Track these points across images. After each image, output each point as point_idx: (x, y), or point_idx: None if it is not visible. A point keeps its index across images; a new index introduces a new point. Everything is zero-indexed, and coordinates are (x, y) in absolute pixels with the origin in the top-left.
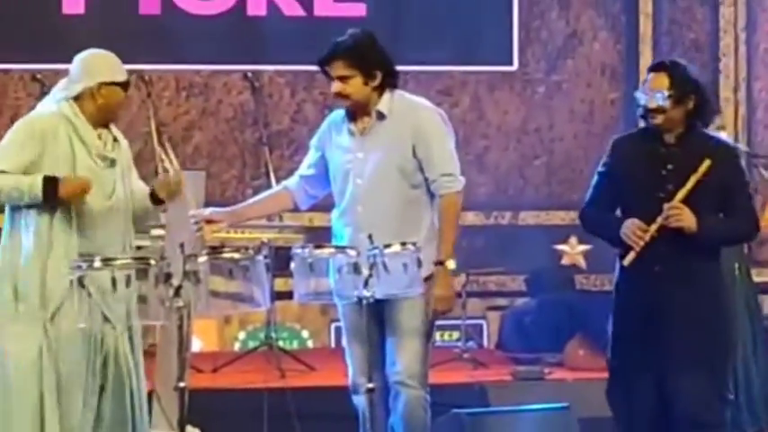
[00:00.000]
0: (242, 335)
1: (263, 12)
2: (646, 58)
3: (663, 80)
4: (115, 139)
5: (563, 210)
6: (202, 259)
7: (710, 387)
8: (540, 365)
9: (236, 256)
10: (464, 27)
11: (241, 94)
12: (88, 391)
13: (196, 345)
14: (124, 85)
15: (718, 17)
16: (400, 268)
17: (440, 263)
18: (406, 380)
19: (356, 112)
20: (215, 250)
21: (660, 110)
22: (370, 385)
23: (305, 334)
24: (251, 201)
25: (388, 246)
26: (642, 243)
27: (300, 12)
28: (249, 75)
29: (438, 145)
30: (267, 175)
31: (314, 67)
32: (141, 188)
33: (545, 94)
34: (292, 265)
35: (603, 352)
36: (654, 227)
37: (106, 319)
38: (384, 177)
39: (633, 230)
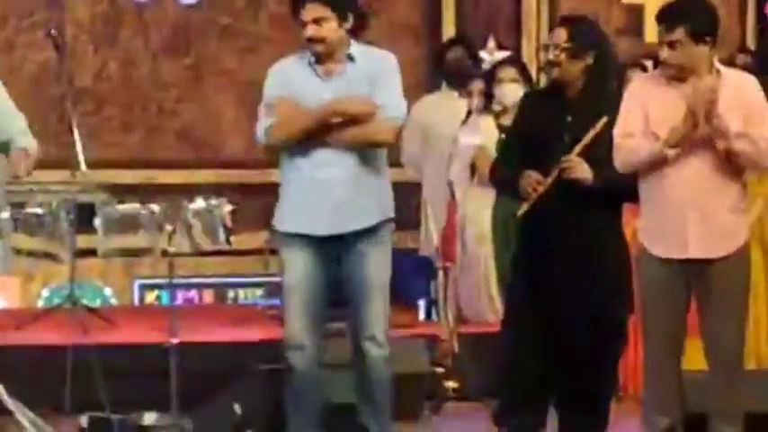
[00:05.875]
0: (45, 292)
1: None
2: (449, 17)
3: (561, 34)
4: None
5: None
6: (5, 215)
7: (600, 338)
8: None
9: (40, 211)
10: None
11: (45, 51)
12: None
13: None
14: None
15: None
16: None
17: None
18: (379, 338)
19: (324, 56)
20: (18, 206)
21: (556, 63)
22: (308, 342)
23: (108, 292)
24: None
25: None
26: (535, 195)
27: None
28: (52, 32)
29: (390, 86)
30: (71, 131)
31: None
32: None
33: None
34: (96, 221)
35: None
36: (549, 179)
37: None
38: None
39: (529, 182)
